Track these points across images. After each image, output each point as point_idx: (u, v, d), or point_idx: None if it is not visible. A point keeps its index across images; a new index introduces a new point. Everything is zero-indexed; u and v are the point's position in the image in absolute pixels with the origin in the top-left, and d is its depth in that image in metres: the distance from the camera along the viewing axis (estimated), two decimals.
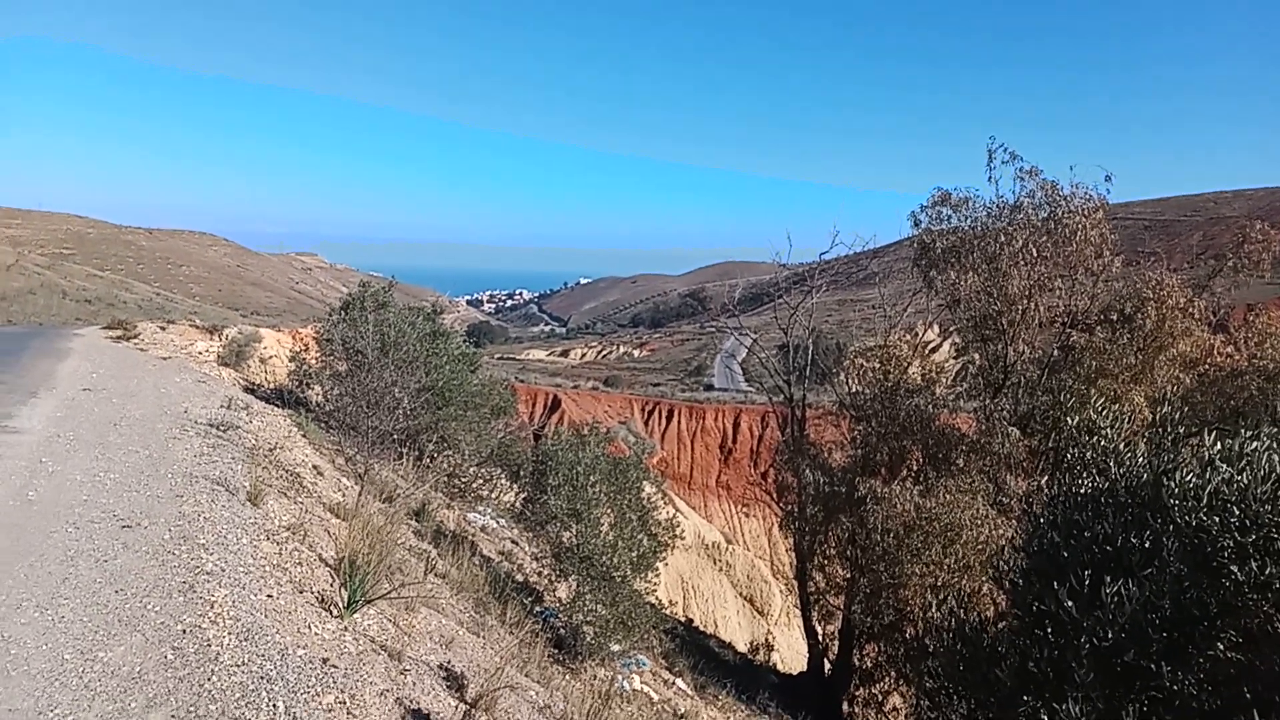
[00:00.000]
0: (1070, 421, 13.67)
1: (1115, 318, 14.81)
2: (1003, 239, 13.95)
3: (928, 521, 12.86)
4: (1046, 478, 14.56)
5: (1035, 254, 14.03)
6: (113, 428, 9.07)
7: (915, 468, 15.66)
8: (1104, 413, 7.43)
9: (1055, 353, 14.97)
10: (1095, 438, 9.34)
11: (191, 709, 3.85)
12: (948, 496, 12.87)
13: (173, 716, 3.78)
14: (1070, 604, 5.60)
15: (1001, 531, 12.66)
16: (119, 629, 4.47)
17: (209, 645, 4.40)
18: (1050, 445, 14.91)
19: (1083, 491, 6.73)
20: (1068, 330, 15.00)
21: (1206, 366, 14.45)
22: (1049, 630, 5.81)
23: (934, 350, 19.95)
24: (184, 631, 4.51)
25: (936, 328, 20.33)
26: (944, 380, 17.30)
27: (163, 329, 23.32)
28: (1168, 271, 15.32)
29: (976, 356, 16.08)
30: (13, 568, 5.15)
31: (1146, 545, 5.57)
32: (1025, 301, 14.05)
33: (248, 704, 3.98)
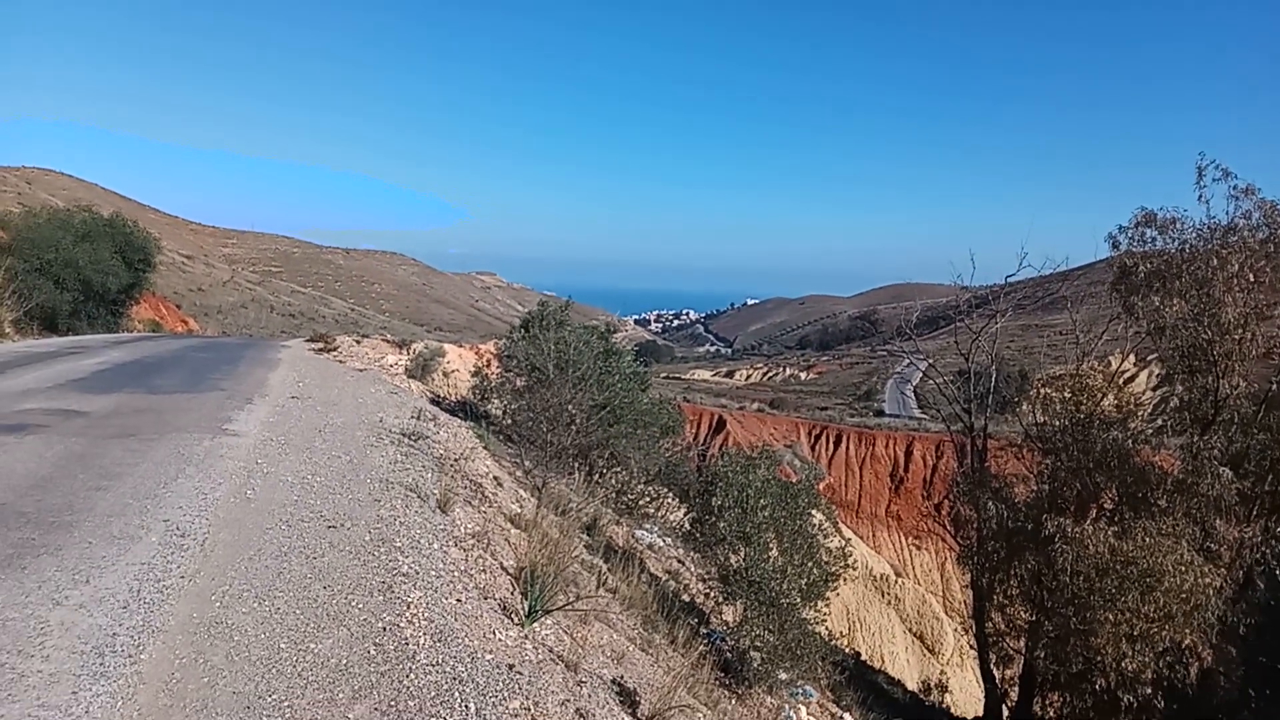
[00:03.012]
0: None
1: None
2: (1215, 262, 12.86)
3: (1123, 565, 11.96)
4: (1263, 523, 13.29)
5: (1252, 279, 12.87)
6: (318, 434, 9.74)
7: (1109, 506, 14.63)
8: None
9: (1274, 387, 13.64)
10: None
11: (392, 704, 4.07)
12: (1147, 539, 11.93)
13: (375, 709, 4.01)
14: None
15: (1209, 580, 11.63)
16: (327, 623, 4.78)
17: (406, 644, 4.64)
18: (1267, 488, 13.60)
19: None
20: None
21: None
22: None
23: (1129, 380, 18.61)
24: (384, 629, 4.77)
25: (1133, 357, 18.96)
26: (1141, 414, 16.11)
27: (358, 342, 24.98)
28: None
29: (1181, 389, 14.88)
30: (235, 560, 5.61)
31: None
32: (1240, 330, 12.89)
33: (442, 703, 4.17)
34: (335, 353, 20.46)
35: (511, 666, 4.89)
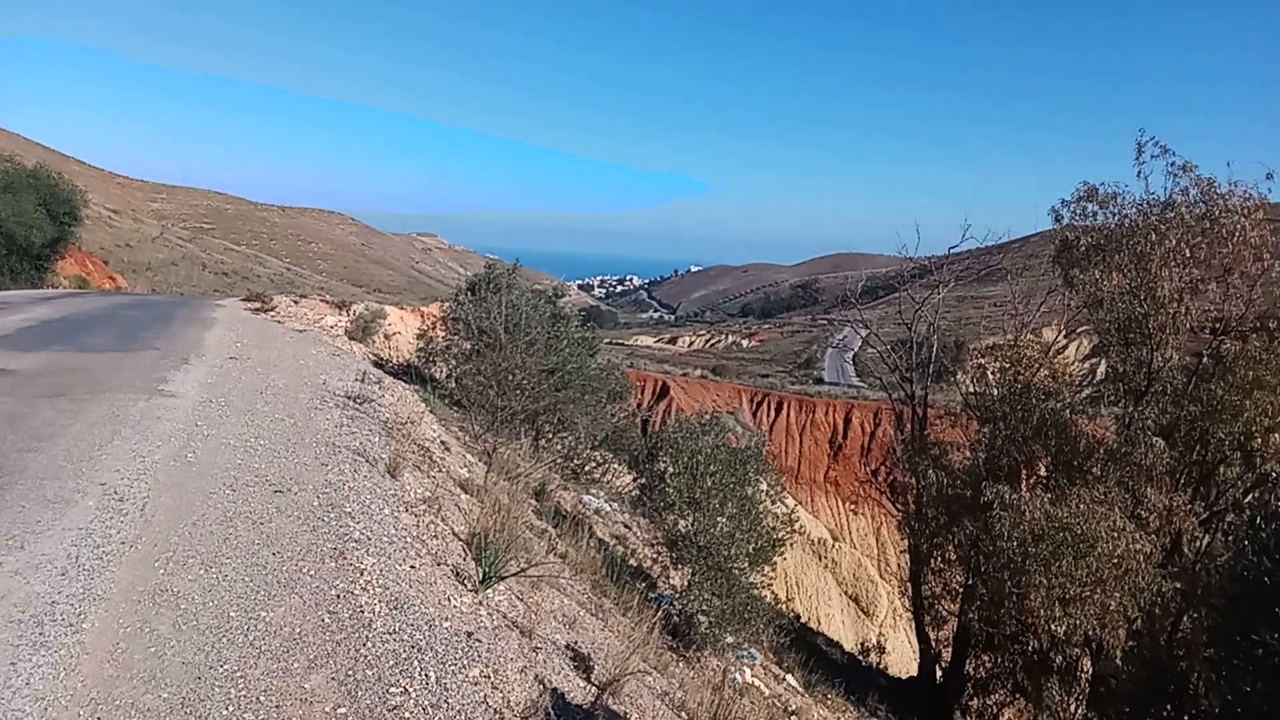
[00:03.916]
0: (1220, 433, 12.97)
1: (1274, 325, 13.83)
2: (1154, 238, 13.15)
3: (1058, 531, 12.29)
4: (1190, 491, 13.78)
5: (1188, 254, 13.20)
6: (259, 395, 9.48)
7: (1044, 474, 15.03)
8: None
9: (1205, 360, 14.07)
10: None
11: (350, 673, 3.97)
12: (1081, 506, 12.27)
13: (332, 679, 3.91)
14: None
15: (1139, 546, 12.03)
16: (278, 590, 4.65)
17: (362, 612, 4.53)
18: (1195, 458, 14.09)
19: None
20: (1219, 337, 14.10)
21: None
22: (1262, 661, 5.35)
23: (1059, 352, 19.11)
24: (338, 596, 4.66)
25: (1063, 329, 19.43)
26: (1072, 384, 16.56)
27: (296, 303, 24.38)
28: None
29: (1115, 360, 15.28)
30: (177, 525, 5.42)
31: None
32: (1175, 305, 13.23)
33: (401, 672, 4.08)
34: (273, 313, 19.92)
35: (470, 634, 4.82)
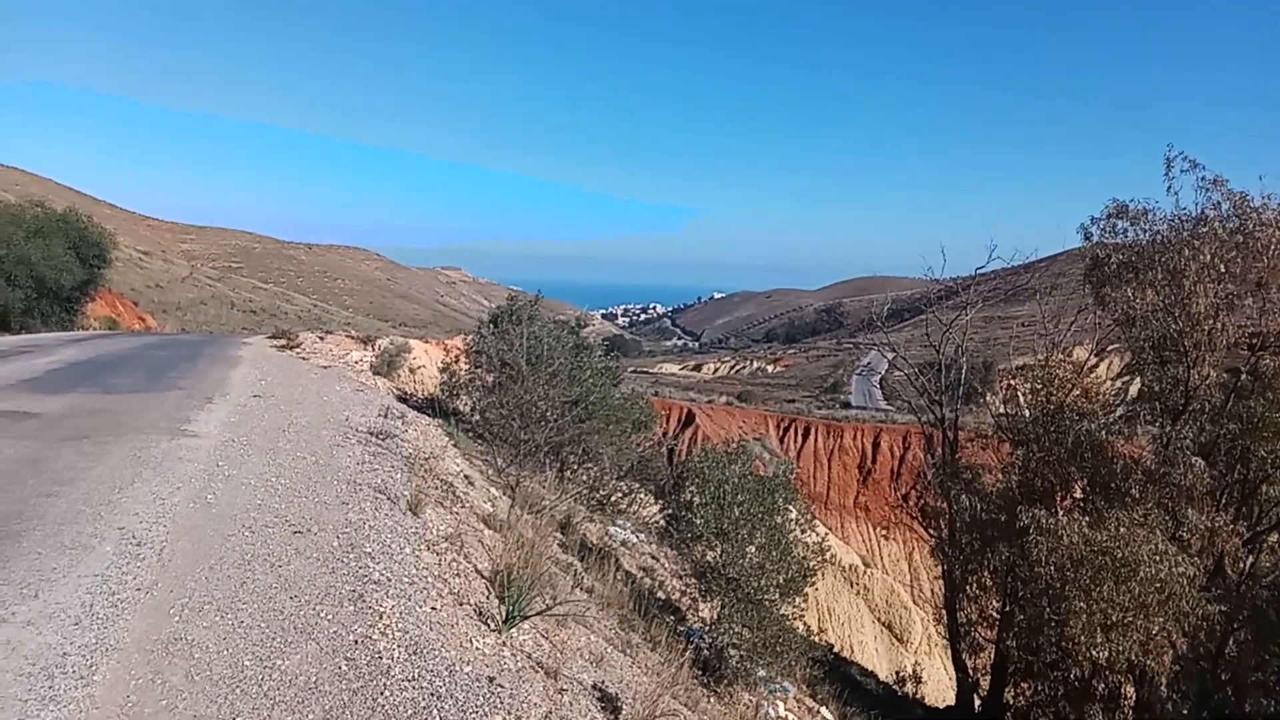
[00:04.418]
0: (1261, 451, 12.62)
1: None
2: (1187, 253, 12.90)
3: (1098, 555, 11.96)
4: (1233, 511, 13.41)
5: (1223, 269, 12.93)
6: (281, 434, 9.43)
7: (1079, 496, 14.70)
8: None
9: (1244, 377, 13.74)
10: None
11: None
12: (1121, 529, 11.94)
13: None
14: None
15: (1182, 569, 11.68)
16: (295, 636, 4.52)
17: (380, 658, 4.39)
18: (1236, 477, 13.73)
19: None
20: (1258, 353, 13.78)
21: None
22: None
23: (1089, 371, 18.81)
24: (356, 642, 4.52)
25: (1094, 348, 19.14)
26: (1105, 403, 16.24)
27: (321, 339, 24.51)
28: None
29: (1150, 379, 14.97)
30: (194, 570, 5.32)
31: None
32: (1211, 321, 12.95)
33: None
34: (298, 349, 20.02)
35: (492, 679, 4.66)
